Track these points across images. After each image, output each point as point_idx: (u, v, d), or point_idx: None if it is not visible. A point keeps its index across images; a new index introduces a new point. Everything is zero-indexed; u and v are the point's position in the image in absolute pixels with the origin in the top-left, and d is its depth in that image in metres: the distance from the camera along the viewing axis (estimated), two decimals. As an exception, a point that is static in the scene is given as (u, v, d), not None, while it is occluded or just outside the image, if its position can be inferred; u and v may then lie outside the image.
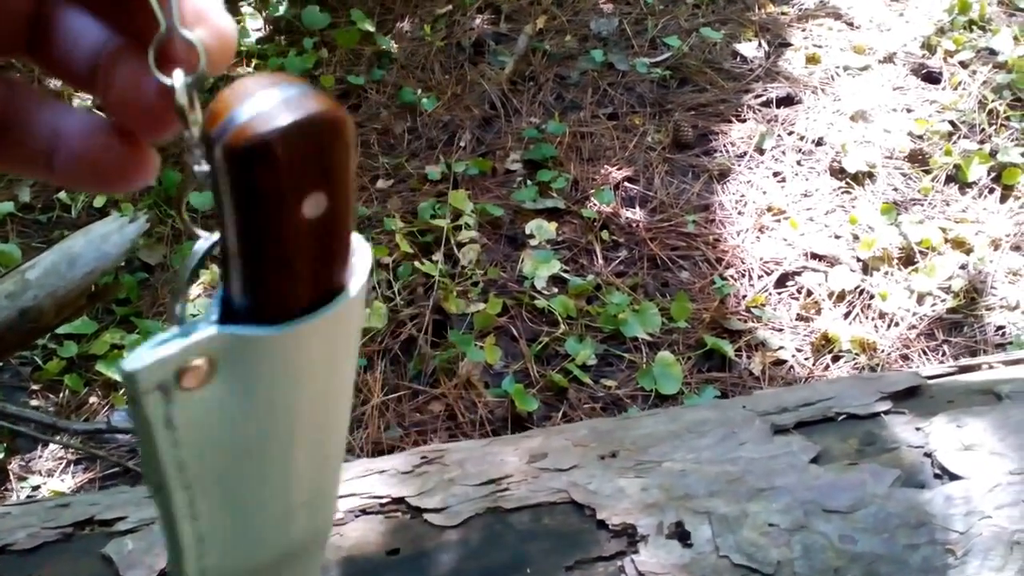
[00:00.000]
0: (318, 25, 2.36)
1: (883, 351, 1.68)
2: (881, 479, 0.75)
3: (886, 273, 1.81)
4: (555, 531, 0.73)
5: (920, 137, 2.11)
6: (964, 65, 2.30)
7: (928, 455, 0.77)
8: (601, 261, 1.85)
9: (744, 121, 2.18)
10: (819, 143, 2.11)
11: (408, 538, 0.73)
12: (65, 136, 0.27)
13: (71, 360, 1.67)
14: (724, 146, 2.12)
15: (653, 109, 2.21)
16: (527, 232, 1.90)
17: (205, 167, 0.26)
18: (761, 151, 2.09)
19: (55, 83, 1.95)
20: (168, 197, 1.98)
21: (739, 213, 1.96)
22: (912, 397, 0.85)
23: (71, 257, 1.18)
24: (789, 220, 1.92)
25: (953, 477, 0.75)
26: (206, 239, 0.28)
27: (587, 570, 0.70)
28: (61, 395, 1.62)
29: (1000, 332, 1.71)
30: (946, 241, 1.86)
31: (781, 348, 1.69)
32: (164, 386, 0.27)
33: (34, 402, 1.61)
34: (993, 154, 2.03)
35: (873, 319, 1.73)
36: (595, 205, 1.96)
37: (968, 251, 1.84)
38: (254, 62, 2.33)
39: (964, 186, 2.00)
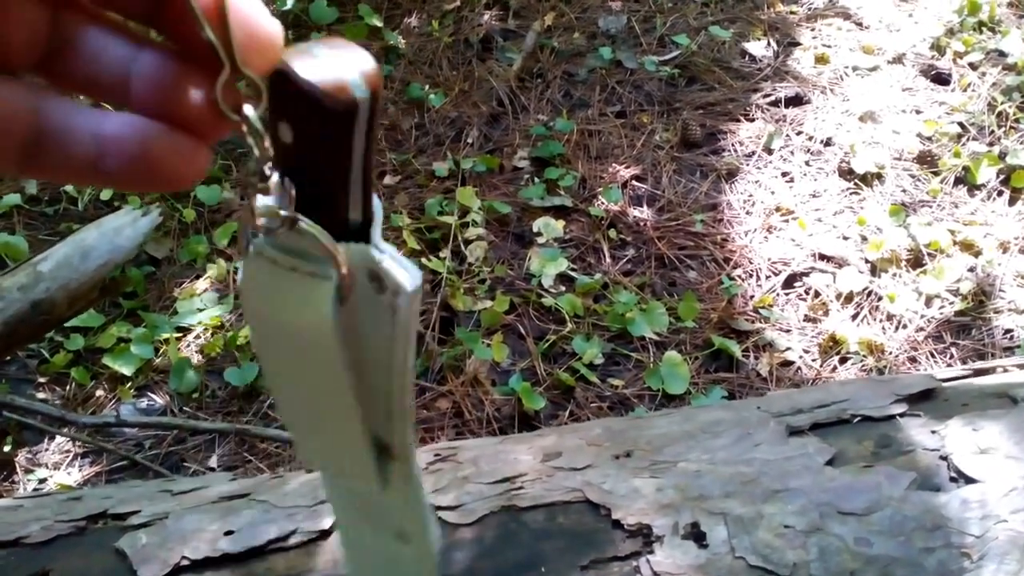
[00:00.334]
0: (326, 20, 2.35)
1: (891, 353, 1.67)
2: (897, 482, 0.75)
3: (894, 275, 1.81)
4: (570, 530, 0.73)
5: (929, 139, 2.10)
6: (973, 67, 2.29)
7: (944, 458, 0.77)
8: (608, 260, 1.85)
9: (752, 120, 2.17)
10: (828, 143, 2.10)
11: (422, 536, 0.73)
12: (113, 139, 0.28)
13: (78, 353, 1.66)
14: (732, 145, 2.11)
15: (661, 107, 2.21)
16: (535, 230, 1.90)
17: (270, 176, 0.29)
18: (769, 151, 2.09)
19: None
20: (175, 192, 1.98)
21: (747, 213, 1.95)
22: (927, 400, 0.85)
23: (84, 250, 1.18)
24: (797, 220, 1.92)
25: (969, 480, 0.75)
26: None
27: (602, 570, 0.70)
28: (68, 388, 1.62)
29: (1008, 335, 1.71)
30: (955, 243, 1.86)
31: (789, 349, 1.69)
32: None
33: (41, 395, 1.61)
34: (1002, 156, 2.03)
35: (881, 321, 1.73)
36: (603, 203, 1.96)
37: (977, 254, 1.84)
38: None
39: (973, 188, 2.00)
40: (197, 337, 1.71)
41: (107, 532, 0.77)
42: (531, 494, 0.75)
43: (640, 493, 0.75)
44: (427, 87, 2.23)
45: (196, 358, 1.66)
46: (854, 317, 1.74)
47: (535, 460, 0.80)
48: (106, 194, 2.00)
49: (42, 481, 1.46)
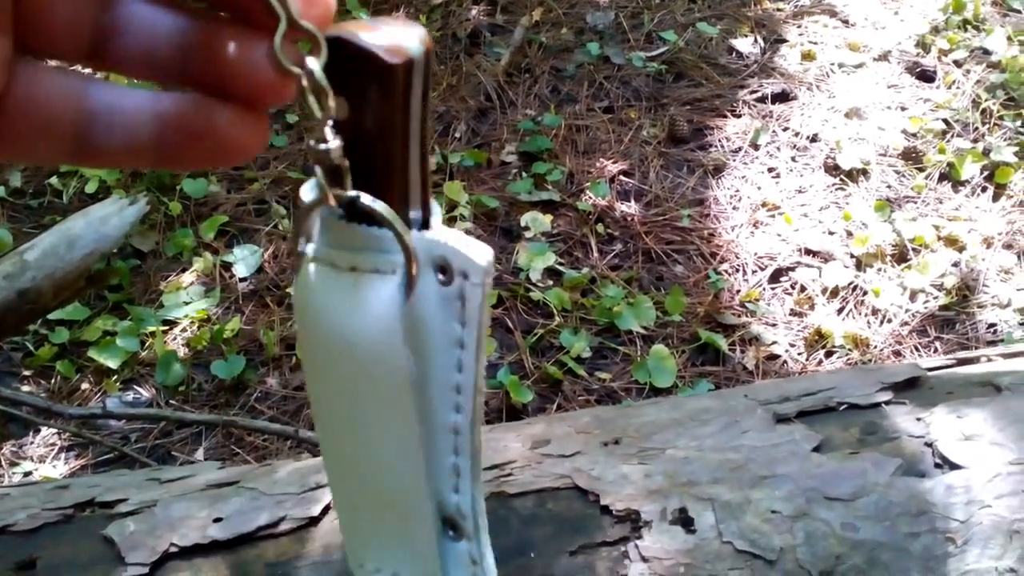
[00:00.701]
0: (314, 14, 2.35)
1: (876, 347, 1.69)
2: (882, 468, 0.75)
3: (879, 270, 1.82)
4: (559, 516, 0.73)
5: (914, 135, 2.12)
6: (958, 64, 2.31)
7: (929, 445, 0.78)
8: (596, 254, 1.85)
9: (739, 116, 2.18)
10: (814, 139, 2.11)
11: (412, 522, 0.73)
12: (174, 117, 0.27)
13: (63, 346, 1.66)
14: (719, 141, 2.12)
15: (649, 103, 2.21)
16: (522, 224, 1.90)
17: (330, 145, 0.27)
18: (756, 147, 2.10)
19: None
20: (161, 183, 1.97)
21: (734, 208, 1.96)
22: (912, 388, 0.85)
23: (70, 239, 1.17)
24: (783, 216, 1.93)
25: (953, 467, 0.76)
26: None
27: (591, 555, 0.70)
28: (53, 381, 1.61)
29: (992, 329, 1.72)
30: (939, 239, 1.87)
31: (775, 343, 1.70)
32: None
33: (26, 388, 1.60)
34: (986, 153, 2.04)
35: (866, 315, 1.74)
36: (590, 198, 1.96)
37: (961, 249, 1.85)
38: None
39: (957, 184, 2.01)
40: (183, 330, 1.70)
41: (95, 520, 0.77)
42: (520, 480, 0.76)
43: (629, 479, 0.75)
44: (415, 81, 2.23)
45: (182, 351, 1.66)
46: (839, 311, 1.75)
47: (524, 447, 0.80)
48: (91, 186, 1.99)
49: (27, 474, 1.46)
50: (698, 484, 0.74)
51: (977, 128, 2.13)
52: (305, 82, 0.26)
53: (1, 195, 1.98)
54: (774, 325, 1.73)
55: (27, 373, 1.63)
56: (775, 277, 1.83)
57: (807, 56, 2.35)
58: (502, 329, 1.71)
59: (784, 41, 2.41)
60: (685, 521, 0.72)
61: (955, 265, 1.82)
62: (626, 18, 2.44)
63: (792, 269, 1.83)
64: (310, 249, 0.30)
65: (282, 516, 0.74)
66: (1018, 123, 2.13)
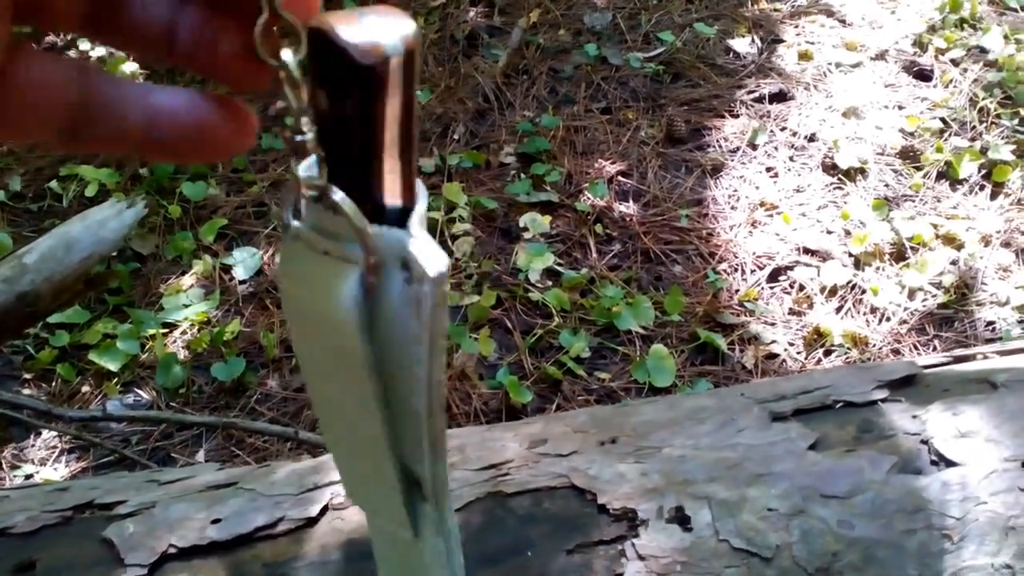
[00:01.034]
0: (312, 16, 2.35)
1: (874, 345, 1.69)
2: (878, 465, 0.76)
3: (878, 268, 1.82)
4: (556, 515, 0.73)
5: (911, 134, 2.12)
6: (955, 63, 2.31)
7: (925, 442, 0.78)
8: (595, 254, 1.86)
9: (737, 116, 2.19)
10: (811, 139, 2.12)
11: (409, 522, 0.73)
12: (166, 110, 0.28)
13: (63, 349, 1.66)
14: (717, 141, 2.12)
15: (646, 104, 2.22)
16: (521, 225, 1.90)
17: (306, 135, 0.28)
18: (754, 146, 2.10)
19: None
20: (160, 187, 1.98)
21: (732, 208, 1.97)
22: (908, 386, 0.86)
23: (69, 242, 1.17)
24: (782, 215, 1.93)
25: (949, 464, 0.76)
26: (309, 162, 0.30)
27: (588, 554, 0.71)
28: (54, 384, 1.61)
29: (990, 327, 1.73)
30: (937, 237, 1.88)
31: (774, 342, 1.70)
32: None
33: (26, 391, 1.60)
34: (984, 151, 2.05)
35: (865, 314, 1.75)
36: (589, 199, 1.97)
37: (959, 247, 1.86)
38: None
39: (955, 183, 2.02)
40: (183, 333, 1.71)
41: (94, 522, 0.77)
42: (517, 480, 0.76)
43: (625, 478, 0.75)
44: (413, 83, 2.23)
45: (182, 354, 1.66)
46: (838, 310, 1.75)
47: (521, 447, 0.81)
48: (91, 190, 1.99)
49: (28, 477, 1.46)
50: (694, 482, 0.74)
51: (975, 127, 2.13)
52: (282, 73, 0.27)
53: (1, 199, 1.98)
54: (773, 324, 1.74)
55: (28, 376, 1.63)
56: (774, 276, 1.83)
57: (804, 56, 2.35)
58: (501, 330, 1.71)
59: (781, 41, 2.41)
60: (681, 519, 0.72)
61: (953, 263, 1.82)
62: (623, 19, 2.44)
63: (791, 268, 1.84)
64: (294, 224, 0.31)
65: (280, 517, 0.74)
66: (1015, 121, 2.14)
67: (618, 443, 0.80)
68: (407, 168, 0.30)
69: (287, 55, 0.27)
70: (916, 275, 1.79)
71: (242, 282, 1.79)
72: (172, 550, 0.72)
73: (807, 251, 1.86)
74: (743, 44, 2.38)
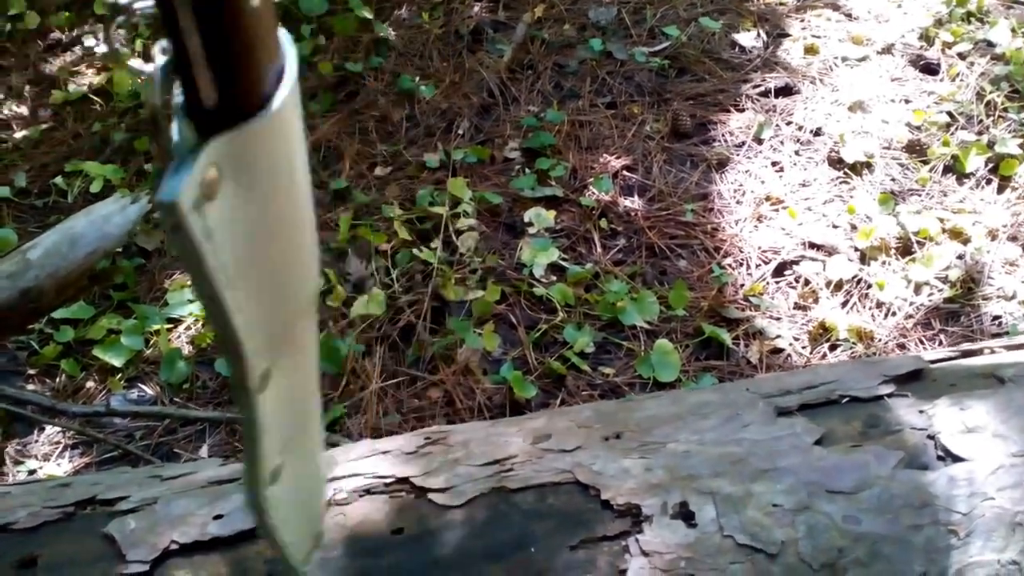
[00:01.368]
0: (316, 11, 2.34)
1: (880, 340, 1.68)
2: (885, 461, 0.75)
3: (884, 263, 1.81)
4: (560, 511, 0.73)
5: (918, 128, 2.11)
6: (962, 56, 2.30)
7: (931, 437, 0.77)
8: (600, 249, 1.85)
9: (742, 111, 2.18)
10: (817, 133, 2.11)
11: (412, 517, 0.73)
12: None
13: (68, 345, 1.66)
14: (722, 136, 2.12)
15: (652, 98, 2.21)
16: (526, 220, 1.90)
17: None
18: (759, 141, 2.09)
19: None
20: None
21: (737, 202, 1.96)
22: (915, 380, 0.85)
23: (72, 237, 1.17)
24: (787, 209, 1.92)
25: (956, 459, 0.76)
26: (156, 66, 0.31)
27: (592, 549, 0.70)
28: (58, 380, 1.61)
29: (997, 322, 1.72)
30: (943, 231, 1.87)
31: (779, 336, 1.69)
32: (198, 203, 0.31)
33: (31, 387, 1.60)
34: (991, 145, 2.03)
35: (870, 308, 1.74)
36: (594, 193, 1.96)
37: (965, 241, 1.85)
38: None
39: (962, 177, 2.00)
40: (188, 328, 1.71)
41: (96, 518, 0.77)
42: (521, 475, 0.76)
43: (629, 473, 0.75)
44: (417, 79, 2.23)
45: (187, 349, 1.66)
46: (844, 305, 1.74)
47: (525, 442, 0.80)
48: (96, 186, 1.99)
49: (32, 472, 1.46)
50: (699, 478, 0.74)
51: (981, 120, 2.12)
52: None
53: (6, 195, 1.98)
54: (778, 319, 1.73)
55: (32, 372, 1.63)
56: (779, 271, 1.82)
57: (810, 50, 2.34)
58: (505, 325, 1.71)
59: (787, 35, 2.40)
60: (686, 515, 0.71)
61: (960, 258, 1.81)
62: (628, 13, 2.43)
63: (796, 263, 1.83)
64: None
65: (283, 512, 0.74)
66: (1023, 115, 2.12)
67: (622, 438, 0.79)
68: (233, 57, 0.31)
69: None
70: (922, 269, 1.78)
71: (246, 277, 1.79)
72: (174, 546, 0.72)
73: (813, 245, 1.86)
74: (748, 38, 2.37)
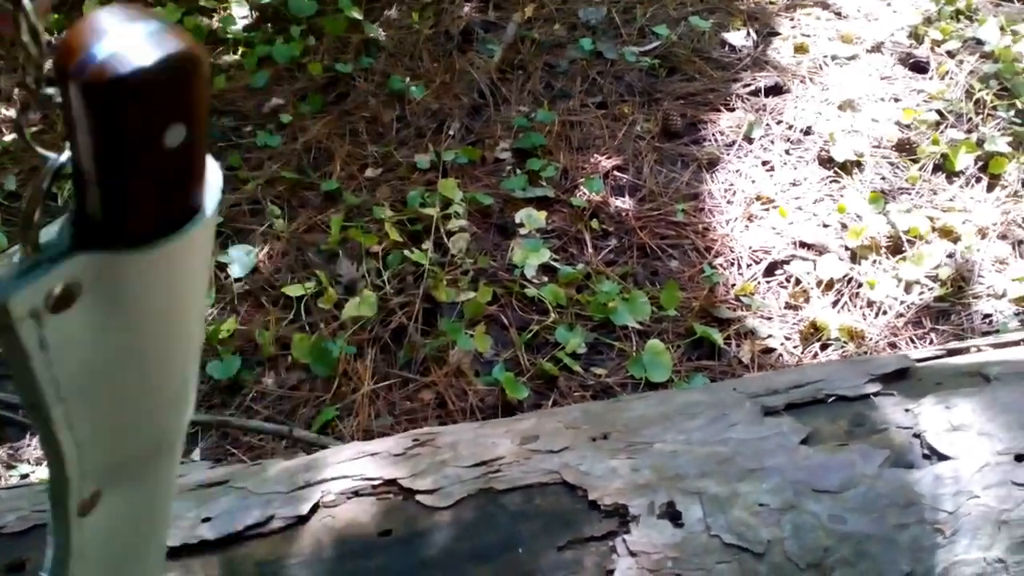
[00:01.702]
0: (305, 12, 2.34)
1: (871, 339, 1.68)
2: (870, 460, 0.75)
3: (874, 262, 1.82)
4: (547, 512, 0.73)
5: (908, 126, 2.12)
6: (951, 55, 2.31)
7: (917, 436, 0.78)
8: (591, 250, 1.85)
9: (733, 110, 2.18)
10: (807, 132, 2.11)
11: (400, 519, 0.73)
12: None
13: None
14: (713, 135, 2.12)
15: (642, 98, 2.21)
16: (517, 221, 1.90)
17: (49, 91, 0.27)
18: (750, 140, 2.10)
19: None
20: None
21: (728, 202, 1.96)
22: (901, 379, 0.86)
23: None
24: (778, 209, 1.93)
25: (942, 457, 0.76)
26: (54, 160, 0.29)
27: (579, 550, 0.71)
28: (49, 384, 1.61)
29: (987, 320, 1.72)
30: (934, 230, 1.87)
31: (770, 336, 1.69)
32: (35, 312, 0.28)
33: (21, 391, 1.60)
34: (980, 143, 2.04)
35: (861, 307, 1.74)
36: (585, 194, 1.96)
37: (955, 240, 1.85)
38: (240, 49, 2.31)
39: (951, 175, 2.01)
40: (179, 331, 1.70)
41: (85, 521, 0.77)
42: (509, 477, 0.76)
43: (617, 474, 0.75)
44: (408, 79, 2.23)
45: (178, 352, 1.66)
46: (835, 304, 1.75)
47: (513, 444, 0.80)
48: (85, 189, 1.99)
49: (24, 477, 1.46)
50: (686, 478, 0.74)
51: (971, 119, 2.13)
52: (23, 21, 0.26)
53: (-4, 199, 1.98)
54: (769, 318, 1.73)
55: (23, 376, 1.62)
56: (770, 270, 1.83)
57: (800, 49, 2.34)
58: (497, 326, 1.71)
59: (777, 34, 2.41)
60: (673, 515, 0.72)
61: (950, 256, 1.82)
62: (618, 13, 2.44)
63: (787, 262, 1.83)
64: None
65: (271, 515, 0.74)
66: (1011, 113, 2.13)
67: (610, 439, 0.80)
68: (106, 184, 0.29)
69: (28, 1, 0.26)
70: (912, 268, 1.78)
71: (237, 280, 1.79)
72: (162, 549, 0.72)
73: (803, 245, 1.86)
74: (739, 37, 2.38)
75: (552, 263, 1.81)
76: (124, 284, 0.30)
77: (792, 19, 2.45)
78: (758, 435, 0.78)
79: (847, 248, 1.85)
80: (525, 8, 2.42)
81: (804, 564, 0.69)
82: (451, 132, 2.11)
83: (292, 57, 2.26)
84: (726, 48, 2.36)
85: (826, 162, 2.04)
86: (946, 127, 2.11)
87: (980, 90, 2.18)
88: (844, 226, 1.89)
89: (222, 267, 1.81)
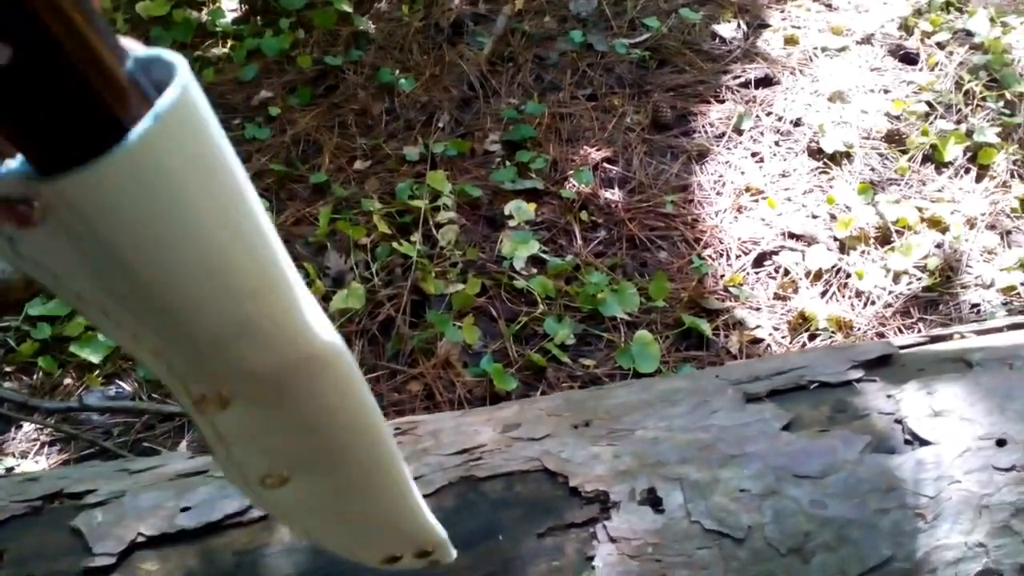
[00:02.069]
0: (295, 5, 2.33)
1: (859, 329, 1.68)
2: (852, 445, 0.75)
3: (863, 252, 1.82)
4: (528, 499, 0.73)
5: (897, 118, 2.12)
6: (941, 46, 2.31)
7: (899, 421, 0.78)
8: (580, 241, 1.85)
9: (723, 102, 2.18)
10: (797, 124, 2.11)
11: (380, 507, 0.73)
12: None
13: (45, 342, 1.65)
14: (703, 127, 2.12)
15: (632, 90, 2.21)
16: (506, 213, 1.89)
17: None
18: (739, 132, 2.09)
19: None
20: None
21: (717, 193, 1.96)
22: (884, 366, 0.85)
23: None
24: (767, 200, 1.92)
25: (923, 443, 0.76)
26: None
27: (559, 537, 0.70)
28: (35, 377, 1.60)
29: (975, 310, 1.73)
30: (922, 220, 1.87)
31: (758, 327, 1.69)
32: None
33: (8, 384, 1.59)
34: (969, 134, 2.04)
35: (850, 298, 1.74)
36: (574, 186, 1.96)
37: (944, 230, 1.85)
38: (229, 42, 2.30)
39: (940, 166, 2.01)
40: (166, 324, 1.70)
41: (63, 511, 0.76)
42: (490, 464, 0.76)
43: (598, 460, 0.75)
44: (397, 72, 2.22)
45: (165, 345, 1.65)
46: (823, 294, 1.75)
47: (495, 431, 0.80)
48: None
49: (9, 470, 1.45)
50: (667, 464, 0.74)
51: (960, 110, 2.13)
52: None
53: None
54: (758, 309, 1.73)
55: (9, 369, 1.62)
56: (759, 261, 1.82)
57: (790, 40, 2.34)
58: (486, 318, 1.71)
59: (767, 26, 2.40)
60: (654, 501, 0.71)
61: (938, 246, 1.82)
62: (609, 5, 2.43)
63: (776, 253, 1.83)
64: None
65: (249, 504, 0.74)
66: (1000, 104, 2.13)
67: (591, 426, 0.79)
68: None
69: None
70: (901, 258, 1.78)
71: (225, 273, 1.78)
72: (141, 539, 0.72)
73: (792, 236, 1.86)
74: (729, 29, 2.37)
75: (541, 255, 1.81)
76: (79, 206, 0.29)
77: (782, 11, 2.45)
78: (740, 421, 0.77)
79: (836, 239, 1.85)
80: (515, 0, 2.42)
81: (785, 549, 0.69)
82: (440, 124, 2.10)
83: (281, 50, 2.25)
84: (716, 40, 2.36)
85: (815, 153, 2.04)
86: (935, 118, 2.11)
87: (969, 81, 2.18)
88: (833, 217, 1.89)
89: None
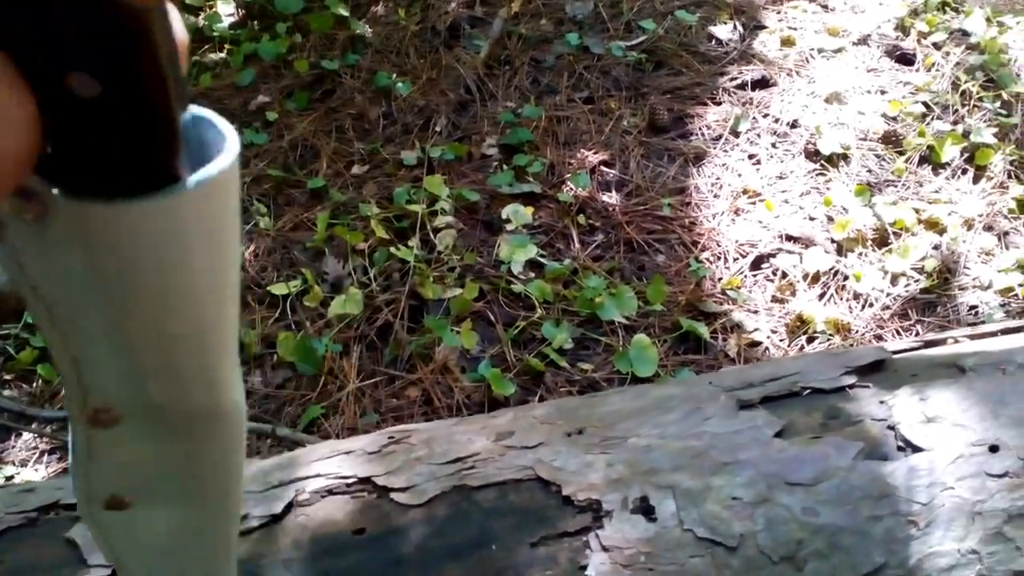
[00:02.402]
0: (291, 9, 2.34)
1: (857, 332, 1.69)
2: (844, 452, 0.75)
3: (860, 254, 1.82)
4: (521, 508, 0.73)
5: (894, 119, 2.12)
6: (937, 47, 2.31)
7: (892, 428, 0.78)
8: (578, 245, 1.85)
9: (719, 104, 2.18)
10: (794, 125, 2.11)
11: (374, 517, 0.73)
12: None
13: (44, 350, 1.65)
14: (699, 129, 2.12)
15: (629, 92, 2.21)
16: (503, 217, 1.90)
17: None
18: (736, 134, 2.10)
19: None
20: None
21: (715, 196, 1.96)
22: (877, 371, 0.85)
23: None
24: (764, 202, 1.93)
25: (916, 449, 0.76)
26: None
27: (552, 546, 0.71)
28: (35, 385, 1.61)
29: (973, 311, 1.73)
30: (919, 222, 1.87)
31: (756, 330, 1.69)
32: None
33: (7, 392, 1.59)
34: (966, 135, 2.04)
35: (847, 300, 1.74)
36: (571, 189, 1.96)
37: (941, 231, 1.85)
38: (226, 47, 2.31)
39: (937, 167, 2.01)
40: (164, 331, 1.70)
41: (59, 523, 0.77)
42: (483, 473, 0.76)
43: (591, 469, 0.75)
44: (394, 76, 2.22)
45: (163, 352, 1.65)
46: (821, 297, 1.75)
47: (488, 440, 0.80)
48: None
49: (9, 478, 1.45)
50: (659, 472, 0.74)
51: (957, 110, 2.13)
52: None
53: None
54: (756, 312, 1.73)
55: (8, 377, 1.62)
56: (756, 264, 1.83)
57: (786, 42, 2.34)
58: (483, 322, 1.71)
59: (763, 27, 2.40)
60: (646, 510, 0.72)
61: (936, 248, 1.82)
62: (605, 8, 2.43)
63: (773, 256, 1.83)
64: None
65: (245, 514, 0.74)
66: (997, 104, 2.13)
67: (585, 434, 0.80)
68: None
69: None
70: (898, 260, 1.79)
71: (223, 279, 1.79)
72: (135, 550, 0.72)
73: (790, 238, 1.86)
74: (725, 31, 2.38)
75: (539, 259, 1.81)
76: (95, 232, 0.30)
77: (779, 12, 2.45)
78: (732, 428, 0.77)
79: (833, 241, 1.85)
80: (512, 3, 2.42)
81: (777, 557, 0.69)
82: (437, 128, 2.10)
83: (278, 54, 2.26)
84: (712, 42, 2.36)
85: (812, 155, 2.04)
86: (932, 119, 2.11)
87: (966, 82, 2.18)
88: (830, 219, 1.89)
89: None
